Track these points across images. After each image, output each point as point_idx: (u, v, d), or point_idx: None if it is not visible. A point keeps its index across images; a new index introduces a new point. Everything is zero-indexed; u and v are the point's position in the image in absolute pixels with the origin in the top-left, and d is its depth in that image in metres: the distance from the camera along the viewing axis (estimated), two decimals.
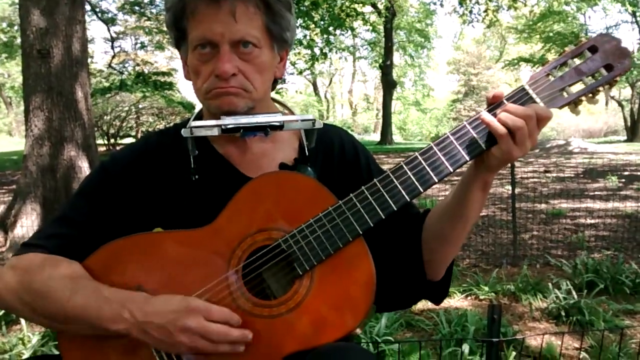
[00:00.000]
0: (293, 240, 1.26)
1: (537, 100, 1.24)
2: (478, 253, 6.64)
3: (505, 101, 1.24)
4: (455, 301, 4.84)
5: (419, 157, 1.26)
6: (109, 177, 1.41)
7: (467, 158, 1.24)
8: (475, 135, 1.24)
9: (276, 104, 1.54)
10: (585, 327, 4.13)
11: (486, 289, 5.00)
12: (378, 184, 1.26)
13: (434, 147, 1.25)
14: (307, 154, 1.45)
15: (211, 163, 1.43)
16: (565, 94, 1.26)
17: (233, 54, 1.30)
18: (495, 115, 1.22)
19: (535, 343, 3.85)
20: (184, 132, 1.31)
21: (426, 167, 1.25)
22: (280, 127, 1.32)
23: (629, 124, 35.68)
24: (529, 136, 1.20)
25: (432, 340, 3.96)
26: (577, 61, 1.26)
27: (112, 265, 1.31)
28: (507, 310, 4.59)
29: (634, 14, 32.41)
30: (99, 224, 1.36)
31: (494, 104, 1.25)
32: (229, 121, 1.30)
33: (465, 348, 3.47)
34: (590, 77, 1.26)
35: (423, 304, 4.66)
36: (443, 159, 1.25)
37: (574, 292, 4.59)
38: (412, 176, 1.25)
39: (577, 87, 1.26)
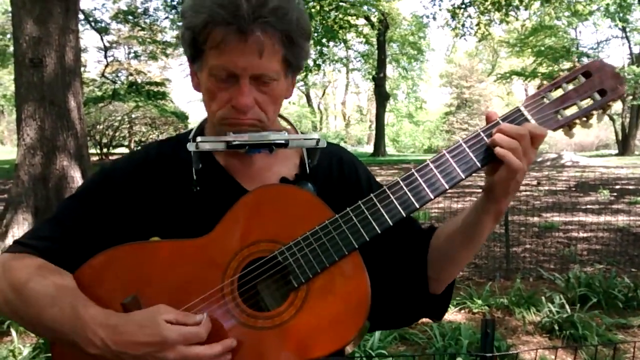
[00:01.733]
0: (289, 252, 1.25)
1: (532, 121, 1.26)
2: (471, 266, 6.63)
3: (500, 121, 1.26)
4: (449, 315, 4.82)
5: (415, 173, 1.27)
6: (108, 184, 1.40)
7: (462, 176, 1.26)
8: (471, 154, 1.26)
9: (279, 119, 1.53)
10: (579, 341, 4.13)
11: (479, 302, 5.00)
12: (374, 199, 1.27)
13: (431, 165, 1.27)
14: (308, 170, 1.45)
15: (213, 175, 1.42)
16: (559, 116, 1.28)
17: (252, 86, 1.29)
18: (490, 135, 1.24)
19: (529, 357, 3.84)
20: (190, 147, 1.31)
21: (422, 183, 1.26)
22: (285, 145, 1.34)
23: (620, 137, 36.00)
24: (524, 155, 1.22)
25: (425, 354, 3.94)
26: (571, 86, 1.29)
27: (107, 272, 1.30)
28: (500, 324, 4.58)
29: (624, 30, 32.82)
30: (92, 230, 1.35)
31: (489, 124, 1.27)
32: (236, 138, 1.31)
33: None
34: (584, 101, 1.28)
35: None
36: (439, 176, 1.26)
37: (567, 306, 4.60)
38: (407, 192, 1.26)
39: (571, 111, 1.28)
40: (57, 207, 1.43)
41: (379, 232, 1.25)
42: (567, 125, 1.29)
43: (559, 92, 1.29)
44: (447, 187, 1.25)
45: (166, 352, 1.15)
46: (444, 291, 1.48)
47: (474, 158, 1.25)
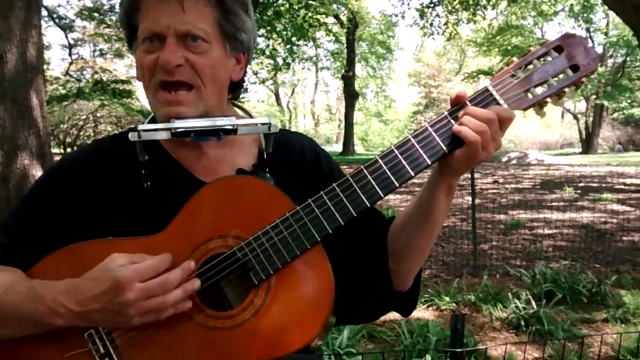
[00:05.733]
0: (249, 248, 1.20)
1: (501, 102, 1.20)
2: (439, 263, 6.66)
3: (467, 103, 1.21)
4: (417, 312, 4.83)
5: (379, 160, 1.21)
6: (56, 184, 1.34)
7: (429, 162, 1.20)
8: (437, 138, 1.20)
9: (237, 110, 1.48)
10: (545, 336, 4.17)
11: (447, 299, 5.02)
12: (337, 189, 1.21)
13: (395, 151, 1.21)
14: (265, 159, 1.39)
15: (164, 169, 1.35)
16: (530, 95, 1.22)
17: (180, 45, 1.24)
18: (457, 118, 1.19)
19: (496, 353, 3.86)
20: (132, 136, 1.24)
21: (387, 171, 1.20)
22: (233, 131, 1.27)
23: (584, 136, 36.75)
24: (493, 138, 1.17)
25: (394, 351, 3.94)
26: (542, 61, 1.23)
27: (59, 274, 1.23)
28: (468, 320, 4.60)
29: (587, 30, 33.49)
30: (44, 233, 1.29)
31: (457, 106, 1.21)
32: (180, 124, 1.24)
33: (428, 359, 3.46)
34: (556, 78, 1.22)
35: (385, 315, 4.64)
36: (404, 162, 1.20)
37: (533, 302, 4.64)
38: (372, 180, 1.20)
39: (543, 88, 1.23)
40: (7, 214, 1.37)
41: (342, 223, 1.20)
42: (539, 105, 1.24)
43: (529, 69, 1.23)
44: (412, 174, 1.20)
45: (124, 293, 1.11)
46: (410, 290, 1.43)
47: (440, 143, 1.20)
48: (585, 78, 1.23)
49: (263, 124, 1.29)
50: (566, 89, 1.23)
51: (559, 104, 1.26)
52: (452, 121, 1.21)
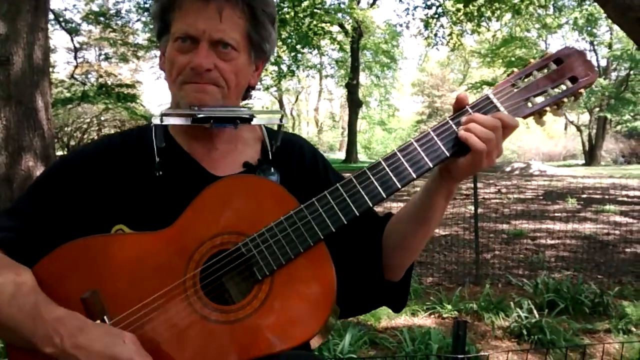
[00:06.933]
0: (253, 244, 1.23)
1: (501, 109, 1.24)
2: (441, 272, 6.66)
3: (469, 109, 1.24)
4: (419, 319, 4.83)
5: (382, 162, 1.25)
6: (68, 170, 1.37)
7: (431, 164, 1.24)
8: (439, 142, 1.24)
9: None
10: (547, 345, 4.16)
11: (449, 307, 5.02)
12: (341, 189, 1.24)
13: (398, 154, 1.25)
14: (270, 155, 1.46)
15: (176, 159, 1.41)
16: (529, 104, 1.27)
17: (211, 51, 1.33)
18: (459, 123, 1.22)
19: None
20: (154, 120, 1.30)
21: (389, 172, 1.24)
22: (249, 119, 1.35)
23: (587, 148, 36.76)
24: (496, 146, 1.21)
25: (395, 358, 3.93)
26: (542, 73, 1.28)
27: (67, 267, 1.26)
28: (469, 328, 4.60)
29: (591, 43, 33.57)
30: (54, 218, 1.31)
31: (458, 111, 1.25)
32: (200, 111, 1.31)
33: None
34: (555, 89, 1.27)
35: (387, 321, 4.65)
36: (406, 164, 1.24)
37: (535, 311, 4.64)
38: (375, 181, 1.24)
39: (542, 98, 1.27)
40: (17, 198, 1.39)
41: (345, 222, 1.23)
42: (538, 113, 1.28)
43: (529, 79, 1.27)
44: (414, 176, 1.23)
45: None
46: (401, 281, 1.47)
47: (442, 147, 1.24)
48: (584, 89, 1.27)
49: (276, 113, 1.39)
50: (565, 99, 1.28)
51: (558, 114, 1.30)
52: (453, 126, 1.24)
